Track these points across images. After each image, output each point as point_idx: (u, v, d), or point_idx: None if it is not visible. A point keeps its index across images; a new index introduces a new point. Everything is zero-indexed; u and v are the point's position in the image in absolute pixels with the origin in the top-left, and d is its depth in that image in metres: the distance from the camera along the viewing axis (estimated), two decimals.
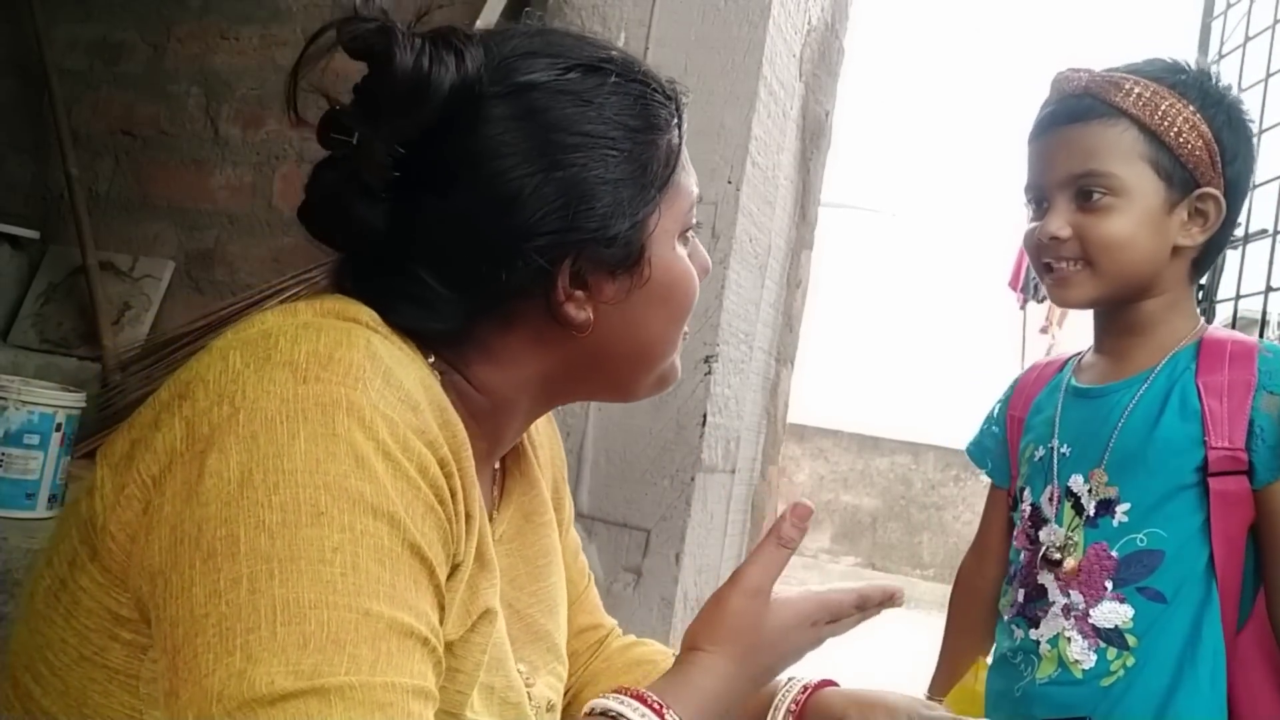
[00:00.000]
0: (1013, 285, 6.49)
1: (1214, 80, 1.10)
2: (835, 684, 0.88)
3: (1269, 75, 2.07)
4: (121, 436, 0.63)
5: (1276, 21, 2.07)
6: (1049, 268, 1.11)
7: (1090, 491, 1.10)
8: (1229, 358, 1.06)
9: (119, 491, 0.60)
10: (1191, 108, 1.06)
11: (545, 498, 0.88)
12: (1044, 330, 6.64)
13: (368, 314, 0.66)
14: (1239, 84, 2.21)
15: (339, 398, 0.57)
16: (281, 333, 0.60)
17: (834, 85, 2.25)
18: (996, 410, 1.31)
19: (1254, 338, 1.12)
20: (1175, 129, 1.05)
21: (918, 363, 8.71)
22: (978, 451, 1.33)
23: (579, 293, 0.70)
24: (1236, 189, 1.10)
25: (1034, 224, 1.13)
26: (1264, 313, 2.05)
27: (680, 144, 0.74)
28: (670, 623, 1.69)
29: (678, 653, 0.94)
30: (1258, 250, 1.89)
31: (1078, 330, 6.30)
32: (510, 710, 0.74)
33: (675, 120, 0.74)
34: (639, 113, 0.71)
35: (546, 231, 0.67)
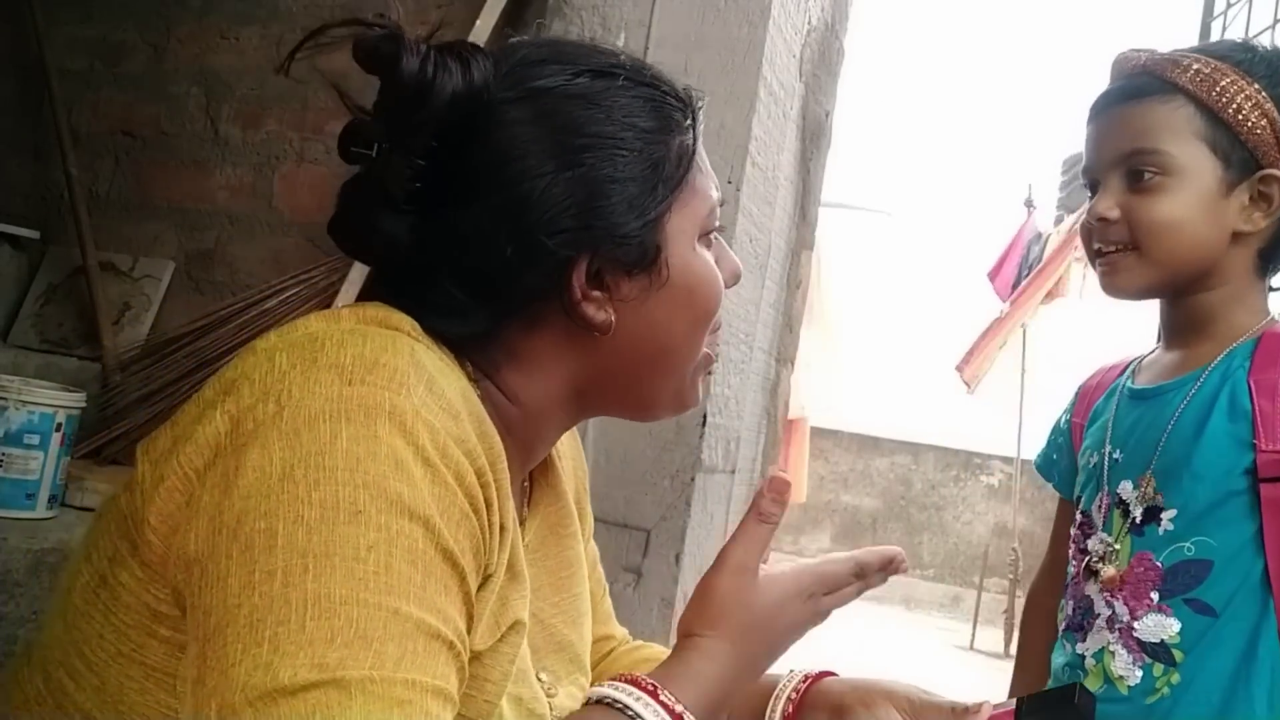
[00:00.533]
0: (991, 276, 6.47)
1: None
2: (835, 675, 0.88)
3: None
4: (164, 433, 0.64)
5: (1276, 21, 2.07)
6: (1099, 253, 1.06)
7: (1139, 498, 1.04)
8: None
9: (159, 483, 0.61)
10: (1256, 85, 1.00)
11: (571, 509, 0.88)
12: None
13: (410, 323, 0.67)
14: None
15: (382, 401, 0.58)
16: (328, 337, 0.62)
17: (834, 85, 2.25)
18: (1062, 420, 1.25)
19: None
20: (1235, 106, 0.99)
21: (918, 363, 8.71)
22: (1045, 465, 1.27)
23: (598, 293, 0.71)
24: None
25: (1086, 207, 1.08)
26: None
27: (694, 146, 0.75)
28: (670, 623, 1.69)
29: None
30: None
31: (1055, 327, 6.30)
32: None
33: (689, 123, 0.75)
34: (649, 114, 0.72)
35: (560, 230, 0.68)
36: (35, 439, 1.57)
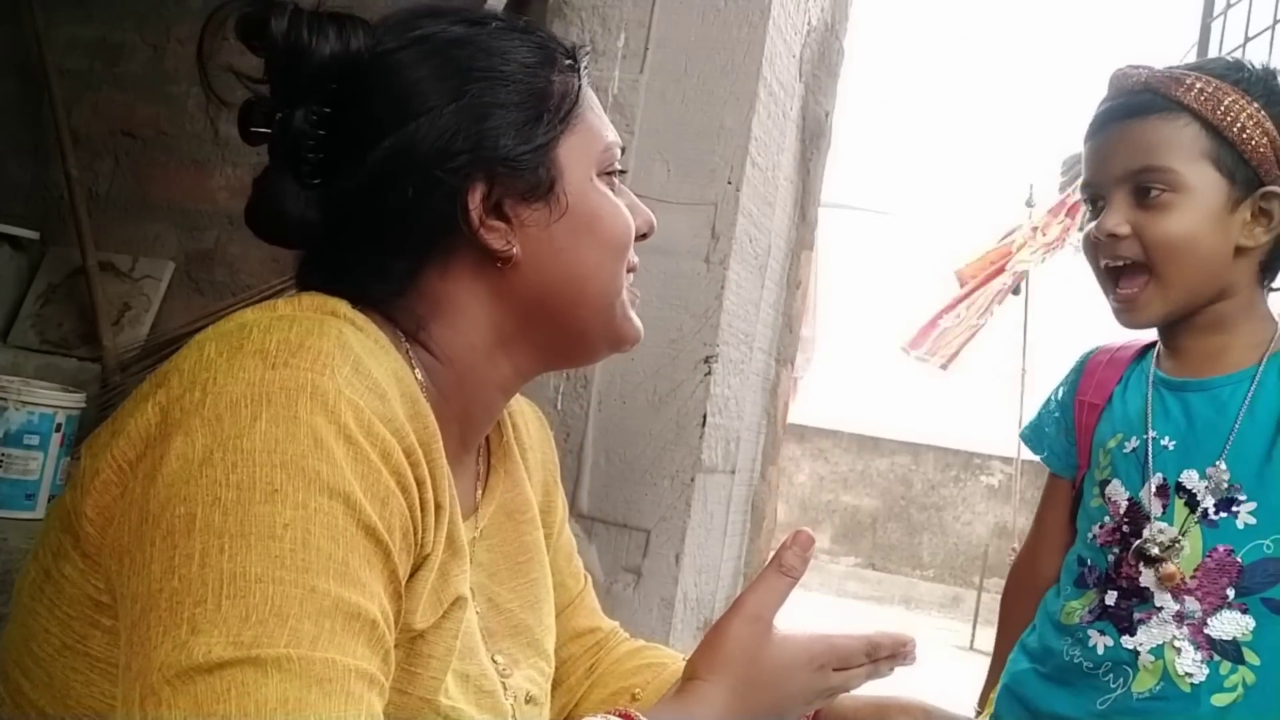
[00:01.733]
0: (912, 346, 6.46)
1: (1278, 79, 1.06)
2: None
3: None
4: (105, 428, 0.65)
5: (1276, 21, 2.07)
6: (1111, 278, 1.07)
7: (1208, 489, 1.03)
8: None
9: (94, 477, 0.62)
10: (1256, 104, 1.02)
11: (529, 496, 0.88)
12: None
13: (345, 307, 0.68)
14: None
15: (304, 382, 0.58)
16: (256, 324, 0.63)
17: (834, 85, 2.25)
18: (1061, 394, 1.24)
19: None
20: (1239, 125, 1.01)
21: (918, 363, 8.71)
22: (1034, 436, 1.26)
23: (500, 223, 0.73)
24: None
25: (1091, 224, 1.09)
26: None
27: (580, 89, 0.77)
28: (670, 623, 1.69)
29: (684, 655, 0.95)
30: None
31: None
32: (486, 699, 0.74)
33: (571, 64, 0.78)
34: (527, 51, 0.75)
35: (448, 156, 0.71)
36: (35, 439, 1.57)
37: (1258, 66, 1.07)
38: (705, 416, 1.68)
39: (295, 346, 0.60)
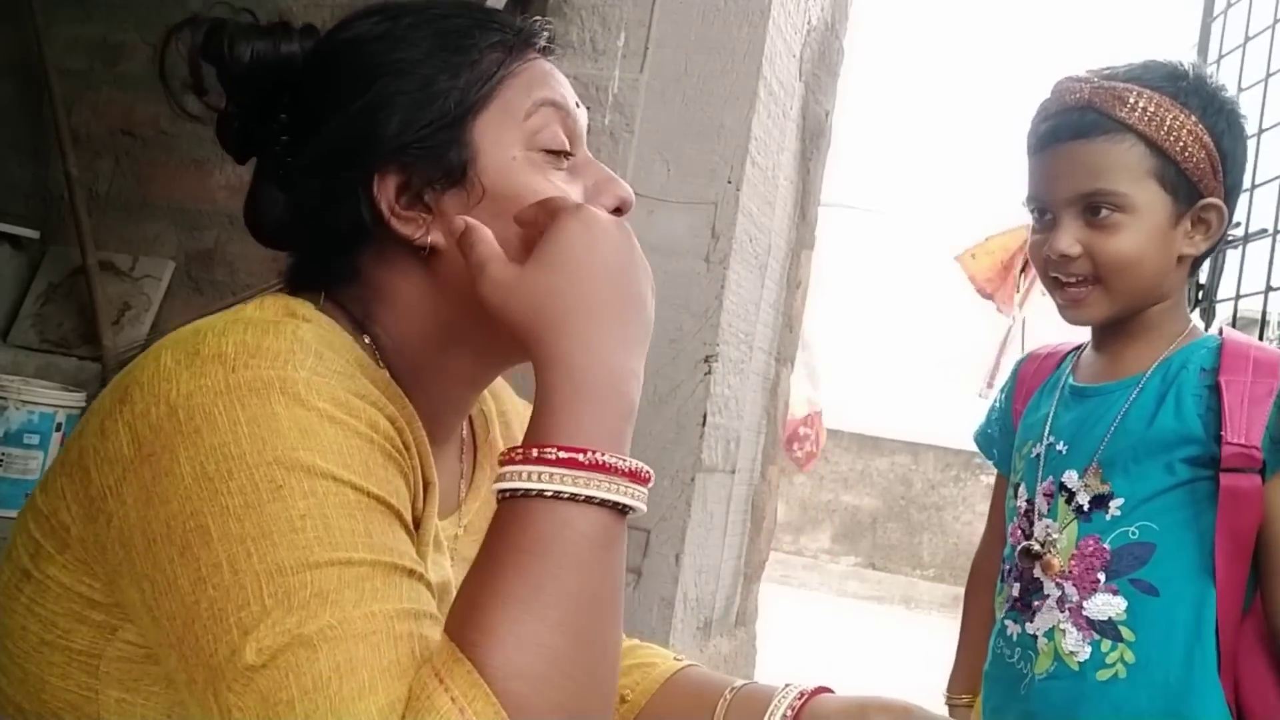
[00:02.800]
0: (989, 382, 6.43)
1: (1211, 83, 1.11)
2: (831, 691, 0.87)
3: (1269, 75, 2.07)
4: (72, 442, 0.65)
5: (1276, 21, 2.07)
6: (1057, 283, 1.13)
7: (1085, 487, 1.11)
8: (1253, 365, 1.07)
9: (84, 505, 0.62)
10: (1194, 118, 1.07)
11: None
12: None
13: (306, 307, 0.69)
14: (1239, 84, 2.21)
15: (271, 379, 0.59)
16: (210, 328, 0.63)
17: (834, 85, 2.25)
18: (1001, 399, 1.33)
19: (1276, 350, 1.13)
20: (1181, 143, 1.06)
21: (918, 363, 8.71)
22: (984, 440, 1.34)
23: (415, 213, 0.72)
24: (1235, 193, 1.12)
25: (1038, 236, 1.14)
26: (1264, 313, 2.05)
27: (509, 60, 0.74)
28: (670, 623, 1.69)
29: (679, 656, 0.94)
30: (1258, 250, 1.89)
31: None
32: None
33: (498, 39, 0.75)
34: (450, 35, 0.74)
35: (350, 150, 0.72)
36: (35, 439, 1.57)
37: (1192, 73, 1.11)
38: (705, 416, 1.68)
39: (254, 348, 0.60)
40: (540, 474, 0.58)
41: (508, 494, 0.59)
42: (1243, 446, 1.03)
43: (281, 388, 0.58)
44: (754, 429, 2.09)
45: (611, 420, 0.61)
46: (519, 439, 0.87)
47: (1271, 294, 1.87)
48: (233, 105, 0.78)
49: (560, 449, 0.58)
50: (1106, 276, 1.09)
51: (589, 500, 0.58)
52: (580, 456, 0.58)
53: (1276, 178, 1.87)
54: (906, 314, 9.00)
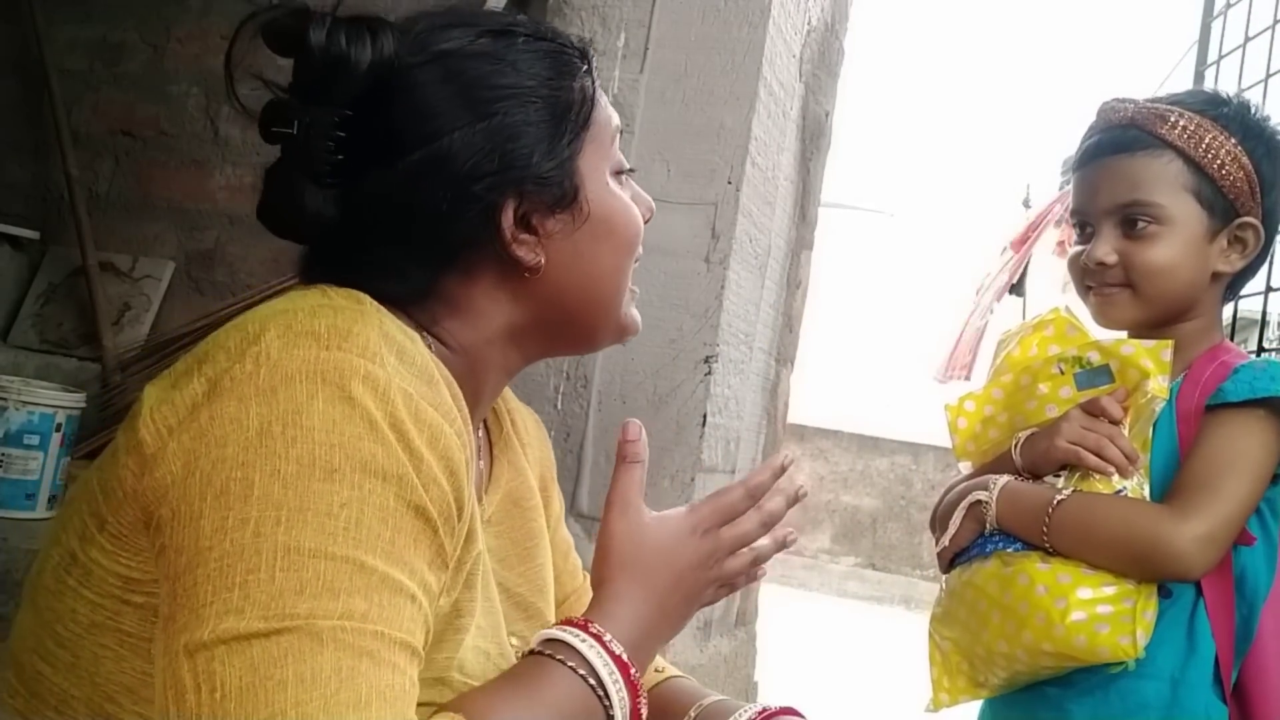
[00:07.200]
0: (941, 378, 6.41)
1: (1254, 112, 1.15)
2: (798, 714, 0.87)
3: (1269, 75, 2.07)
4: (139, 405, 0.65)
5: (1276, 21, 2.07)
6: (1090, 290, 1.16)
7: None
8: (1203, 382, 1.10)
9: (131, 440, 0.62)
10: (1233, 140, 1.11)
11: (532, 484, 0.91)
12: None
13: (368, 299, 0.69)
14: (1239, 84, 2.21)
15: (358, 367, 0.60)
16: (299, 309, 0.64)
17: (834, 85, 2.25)
18: None
19: (1242, 357, 1.14)
20: (1219, 161, 1.10)
21: (918, 363, 8.71)
22: None
23: (527, 236, 0.75)
24: (1273, 217, 1.15)
25: (1079, 248, 1.17)
26: (1264, 312, 2.06)
27: (594, 88, 0.80)
28: None
29: (663, 668, 0.96)
30: None
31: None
32: None
33: (586, 68, 0.80)
34: (549, 64, 0.77)
35: (482, 176, 0.72)
36: (35, 439, 1.57)
37: (1236, 102, 1.16)
38: (705, 416, 1.68)
39: (345, 332, 0.61)
40: (599, 657, 0.69)
41: (555, 641, 0.69)
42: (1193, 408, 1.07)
43: (365, 378, 0.60)
44: (754, 429, 2.09)
45: (651, 655, 0.76)
46: (521, 437, 0.90)
47: (1271, 294, 1.87)
48: (298, 98, 0.73)
49: (627, 666, 0.70)
50: (1138, 281, 1.12)
51: (604, 693, 0.68)
52: (632, 672, 0.70)
53: None
54: (907, 314, 9.00)
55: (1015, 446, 1.14)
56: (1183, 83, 3.29)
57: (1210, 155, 1.10)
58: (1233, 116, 1.13)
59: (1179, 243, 1.11)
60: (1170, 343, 1.09)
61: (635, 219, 0.81)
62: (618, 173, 0.82)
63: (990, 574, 1.10)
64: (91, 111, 2.38)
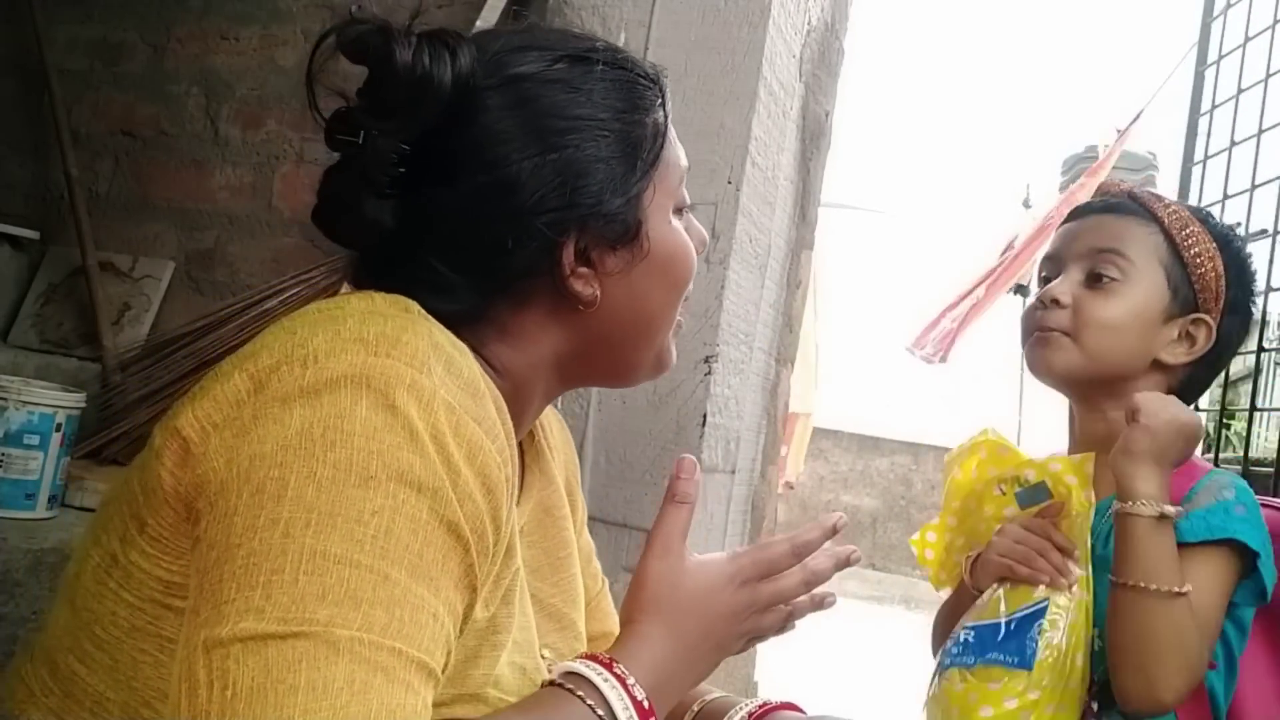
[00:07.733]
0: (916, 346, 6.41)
1: (1239, 241, 1.19)
2: (798, 708, 0.87)
3: (1269, 75, 2.07)
4: (179, 405, 0.65)
5: (1276, 21, 2.07)
6: (1034, 333, 1.16)
7: None
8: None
9: (172, 436, 0.62)
10: (1214, 245, 1.14)
11: (562, 494, 0.91)
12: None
13: (417, 307, 0.68)
14: (1239, 84, 2.21)
15: (404, 375, 0.60)
16: (349, 314, 0.64)
17: (834, 85, 2.25)
18: None
19: (1204, 469, 1.12)
20: (1196, 250, 1.14)
21: (918, 363, 8.71)
22: None
23: (585, 269, 0.74)
24: (1227, 343, 1.16)
25: (1034, 301, 1.19)
26: (1264, 313, 2.06)
27: (666, 122, 0.79)
28: None
29: None
30: (1258, 250, 1.89)
31: None
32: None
33: (660, 100, 0.79)
34: (624, 95, 0.76)
35: (548, 209, 0.71)
36: (35, 439, 1.57)
37: (1225, 225, 1.20)
38: (705, 416, 1.67)
39: (393, 340, 0.61)
40: (620, 700, 0.68)
41: (576, 675, 0.68)
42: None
43: (410, 387, 0.59)
44: (754, 429, 2.09)
45: (672, 701, 0.74)
46: (550, 442, 0.91)
47: (1272, 294, 1.87)
48: (373, 112, 0.71)
49: (647, 712, 0.69)
50: (1080, 330, 1.13)
51: None
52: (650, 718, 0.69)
53: (1276, 178, 1.87)
54: (907, 314, 9.00)
55: (965, 564, 1.17)
56: (1183, 83, 3.29)
57: (1191, 242, 1.13)
58: (1219, 231, 1.17)
59: (1134, 307, 1.12)
60: (1092, 455, 1.10)
61: (692, 258, 0.81)
62: (679, 207, 0.81)
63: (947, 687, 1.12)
64: (91, 111, 2.38)
